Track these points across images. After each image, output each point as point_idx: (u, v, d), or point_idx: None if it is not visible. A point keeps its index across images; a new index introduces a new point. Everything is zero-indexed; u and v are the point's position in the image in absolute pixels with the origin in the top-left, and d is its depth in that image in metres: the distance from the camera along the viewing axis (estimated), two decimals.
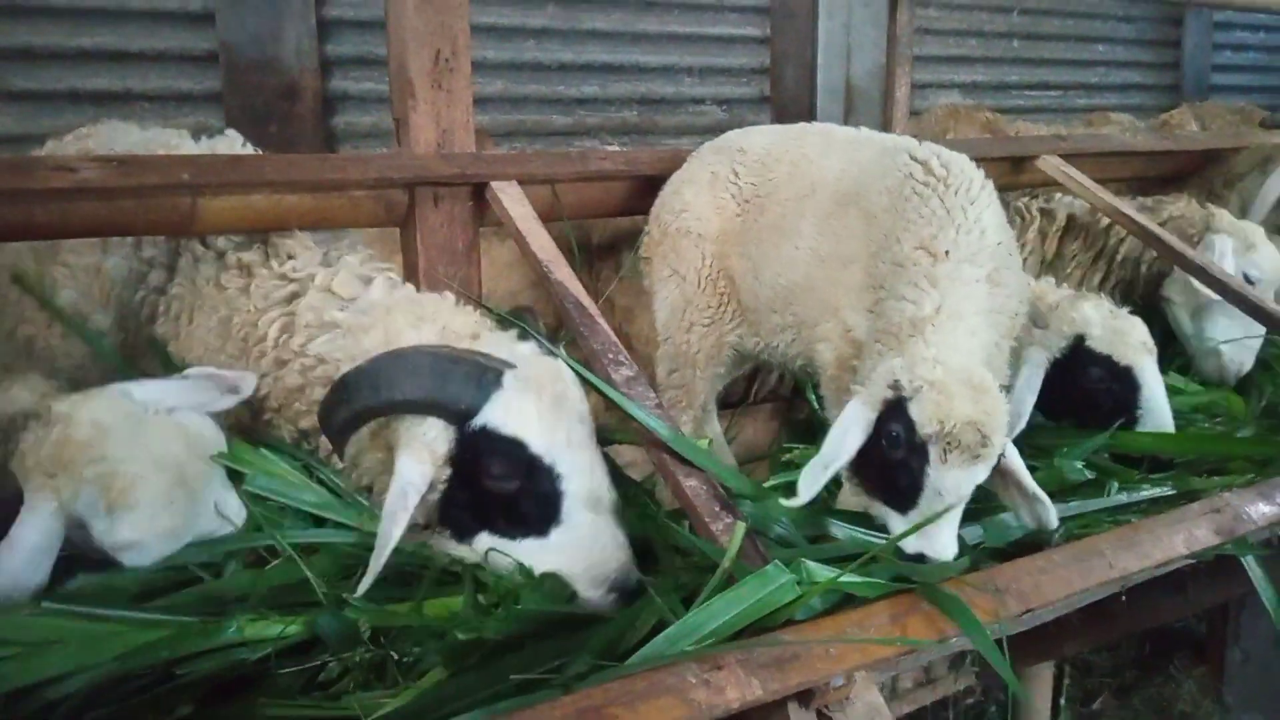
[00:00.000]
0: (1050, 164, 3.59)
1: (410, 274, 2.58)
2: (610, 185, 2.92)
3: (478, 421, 1.87)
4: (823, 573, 1.68)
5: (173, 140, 2.71)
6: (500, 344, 2.04)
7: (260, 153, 2.60)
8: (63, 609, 1.64)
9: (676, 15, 6.17)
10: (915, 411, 1.92)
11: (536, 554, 1.88)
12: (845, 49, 6.62)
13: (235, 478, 1.99)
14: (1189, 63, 8.58)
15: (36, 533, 1.69)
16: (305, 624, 1.69)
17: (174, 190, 2.20)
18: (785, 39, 6.55)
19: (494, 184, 2.55)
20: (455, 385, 1.87)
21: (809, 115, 6.40)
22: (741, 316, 2.77)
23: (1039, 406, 2.73)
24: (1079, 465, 2.49)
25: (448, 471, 1.90)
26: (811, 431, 2.95)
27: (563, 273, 2.30)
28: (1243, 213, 4.05)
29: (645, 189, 2.91)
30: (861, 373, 2.29)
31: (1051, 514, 2.02)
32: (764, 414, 3.28)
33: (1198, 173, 4.42)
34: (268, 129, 4.68)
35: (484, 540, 1.92)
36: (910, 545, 1.86)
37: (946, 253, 2.28)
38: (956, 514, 1.93)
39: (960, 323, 2.18)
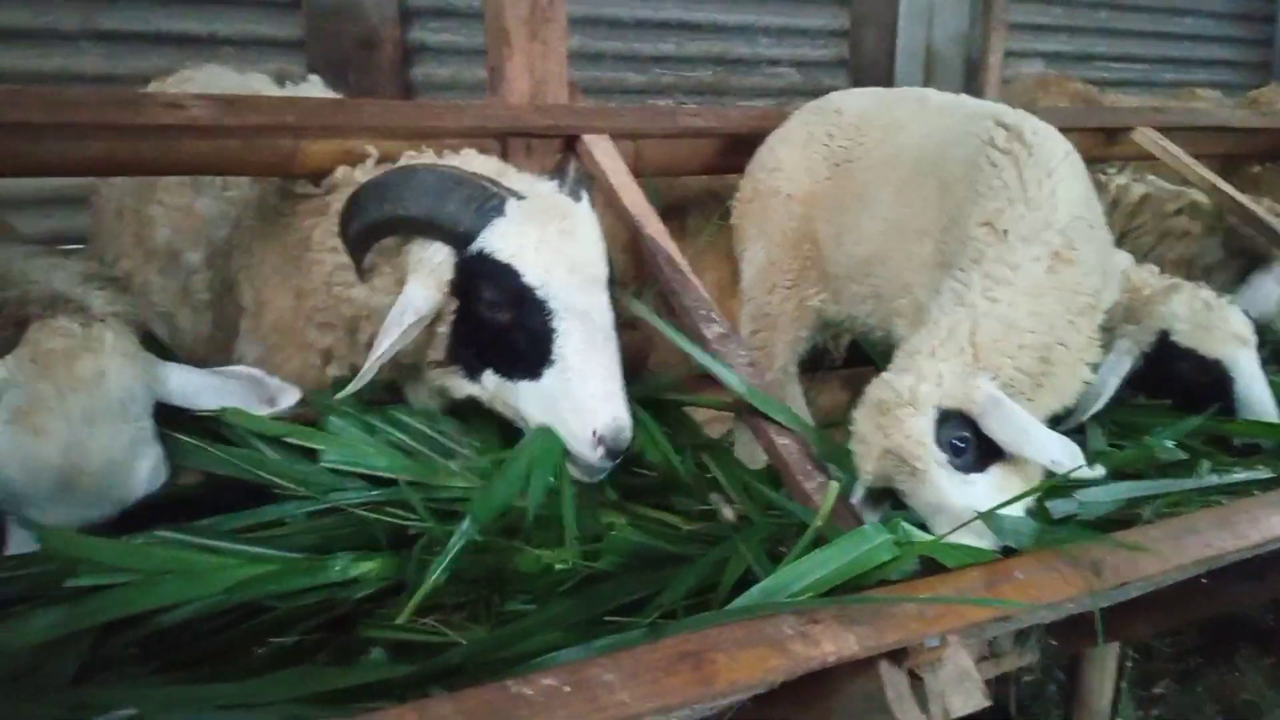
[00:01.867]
0: (1146, 136, 3.49)
1: None
2: (697, 143, 2.90)
3: (475, 246, 1.91)
4: (920, 535, 1.68)
5: (264, 86, 2.75)
6: (520, 180, 2.05)
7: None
8: (177, 538, 1.70)
9: None
10: None
11: (531, 399, 1.91)
12: (928, 13, 6.47)
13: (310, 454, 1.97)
14: None
15: None
16: (396, 564, 1.74)
17: (278, 132, 2.23)
18: (866, 1, 6.43)
19: (585, 137, 2.55)
20: (455, 205, 1.91)
21: (887, 80, 6.29)
22: (825, 282, 2.75)
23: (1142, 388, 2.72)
24: (1170, 445, 2.44)
25: (455, 303, 1.94)
26: None
27: (654, 228, 2.30)
28: None
29: (732, 148, 2.89)
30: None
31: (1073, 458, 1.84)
32: (837, 382, 3.26)
33: None
34: (347, 77, 4.71)
35: (490, 380, 1.97)
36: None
37: (1005, 232, 2.14)
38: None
39: (996, 308, 2.04)
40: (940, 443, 1.82)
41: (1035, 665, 3.02)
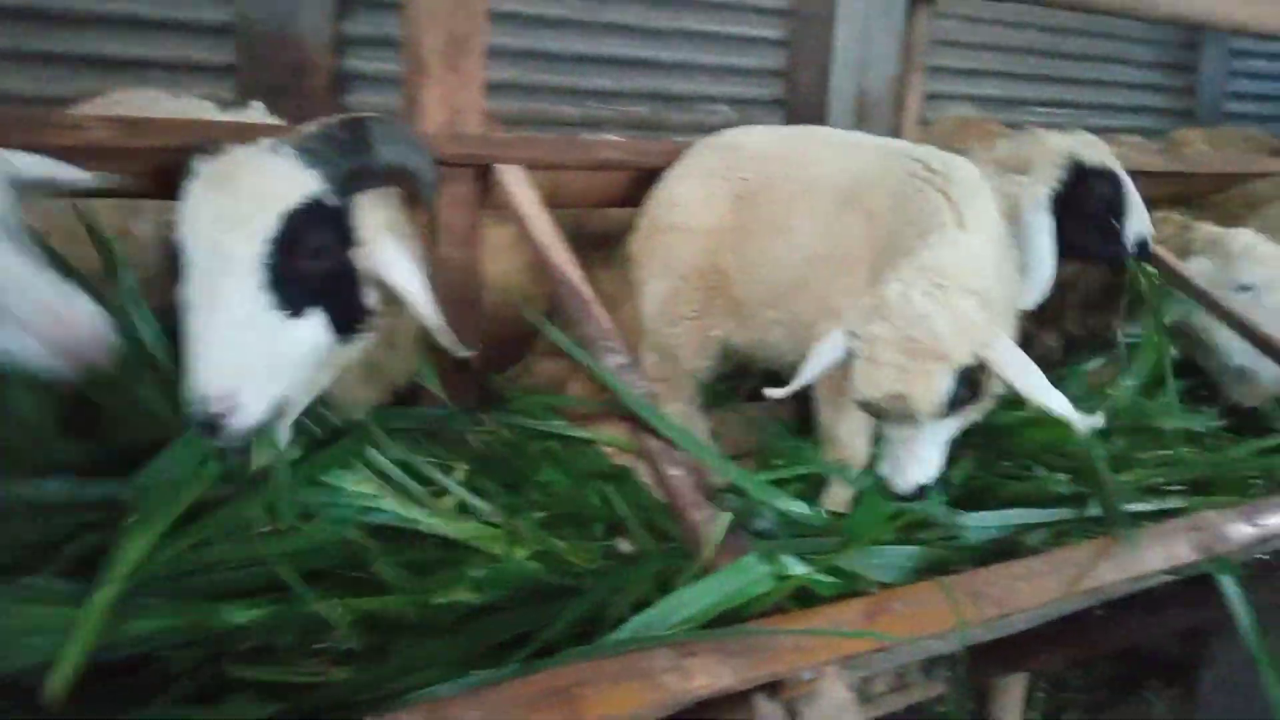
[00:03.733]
0: None
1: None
2: (615, 176, 2.92)
3: None
4: (797, 567, 1.69)
5: (199, 110, 2.72)
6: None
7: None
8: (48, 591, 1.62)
9: (695, 13, 6.18)
10: (853, 369, 2.15)
11: None
12: (861, 57, 6.62)
13: None
14: (1204, 89, 8.59)
15: None
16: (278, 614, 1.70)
17: (182, 154, 2.21)
18: (803, 43, 6.55)
19: (499, 167, 2.56)
20: None
21: (821, 120, 6.40)
22: (732, 310, 2.79)
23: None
24: (1061, 477, 2.50)
25: None
26: (802, 432, 2.95)
27: (561, 258, 2.31)
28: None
29: (651, 181, 2.91)
30: None
31: (1074, 419, 2.15)
32: (751, 412, 3.28)
33: (1210, 196, 4.42)
34: (278, 104, 4.69)
35: None
36: (882, 469, 2.19)
37: (944, 223, 2.34)
38: (922, 444, 2.16)
39: (970, 257, 2.30)
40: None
41: (946, 696, 3.05)
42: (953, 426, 2.22)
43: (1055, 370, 3.81)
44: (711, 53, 6.31)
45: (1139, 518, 2.22)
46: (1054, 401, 2.09)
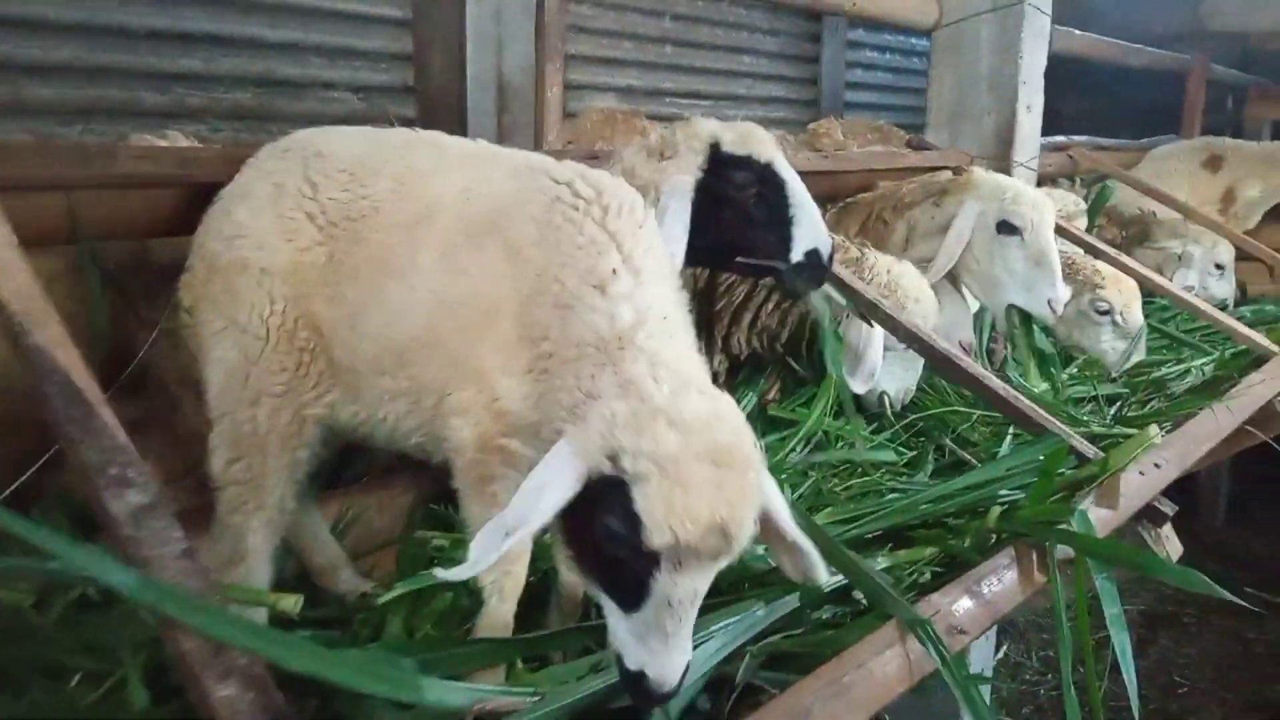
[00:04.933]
0: None
1: None
2: (158, 195, 2.12)
3: None
4: None
5: None
6: None
7: None
8: None
9: None
10: (641, 506, 1.46)
11: None
12: (496, 39, 6.07)
13: None
14: (826, 78, 8.95)
15: None
16: None
17: None
18: (428, 23, 5.88)
19: None
20: None
21: (458, 108, 5.81)
22: (333, 379, 2.11)
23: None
24: (759, 550, 2.11)
25: None
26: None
27: (48, 334, 1.51)
28: (907, 243, 3.99)
29: (205, 200, 2.13)
30: (519, 453, 1.84)
31: (819, 568, 1.70)
32: (396, 489, 2.63)
33: (856, 194, 4.33)
34: None
35: None
36: (631, 659, 1.50)
37: (614, 271, 1.87)
38: (690, 620, 1.52)
39: (675, 328, 1.83)
40: None
41: None
42: None
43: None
44: (324, 32, 5.49)
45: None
46: (802, 539, 1.67)
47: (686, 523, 1.42)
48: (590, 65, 6.97)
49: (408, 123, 5.59)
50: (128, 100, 4.80)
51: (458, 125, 5.59)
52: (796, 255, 2.77)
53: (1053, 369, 4.04)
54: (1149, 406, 3.95)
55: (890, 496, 2.85)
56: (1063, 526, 2.18)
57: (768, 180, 2.72)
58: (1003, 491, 2.69)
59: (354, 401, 2.08)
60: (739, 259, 2.74)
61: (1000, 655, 5.84)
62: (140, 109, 4.82)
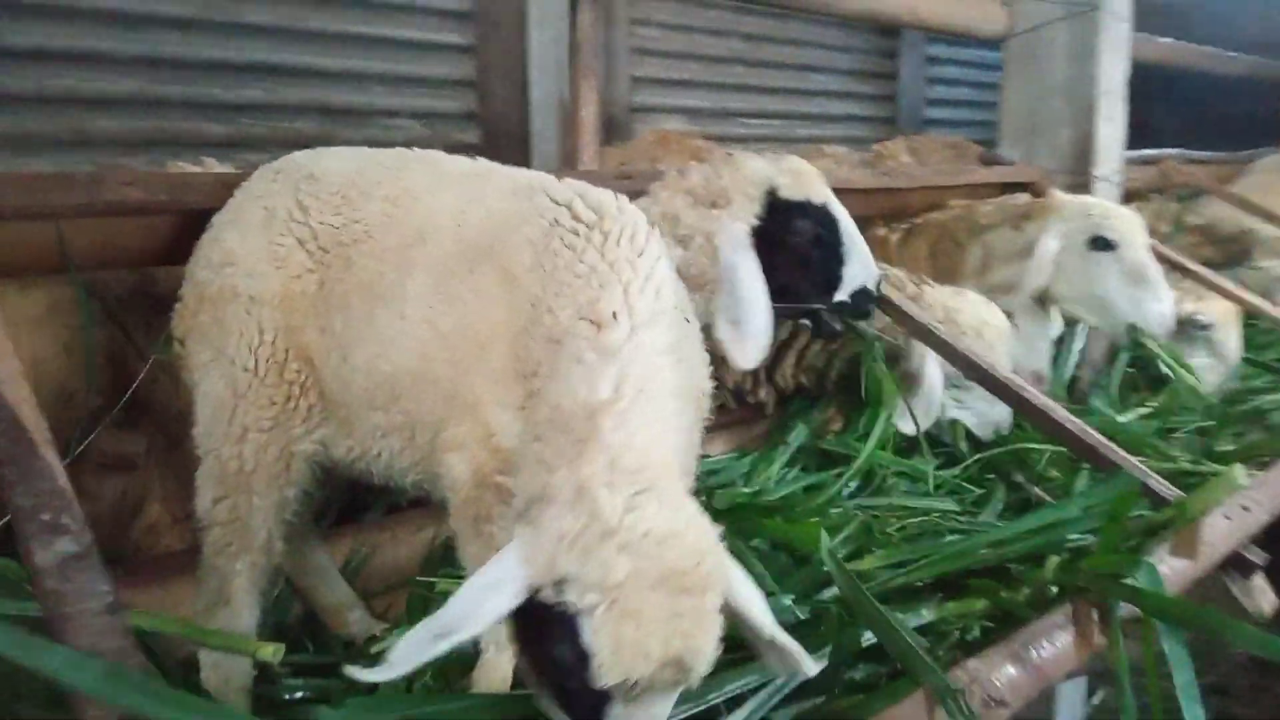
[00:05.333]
0: None
1: None
2: (150, 223, 2.06)
3: None
4: None
5: None
6: None
7: None
8: None
9: (362, 14, 5.35)
10: (590, 641, 1.30)
11: None
12: (558, 64, 6.03)
13: None
14: (904, 96, 8.71)
15: None
16: None
17: None
18: (491, 49, 5.87)
19: None
20: None
21: (521, 134, 5.77)
22: (325, 414, 2.00)
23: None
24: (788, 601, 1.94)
25: None
26: None
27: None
28: (983, 268, 3.76)
29: (197, 227, 2.05)
30: (517, 492, 1.62)
31: (805, 660, 1.50)
32: (412, 524, 2.53)
33: (927, 213, 4.10)
34: None
35: None
36: None
37: (615, 315, 1.68)
38: None
39: (652, 405, 1.60)
40: None
41: None
42: None
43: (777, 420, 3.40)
44: (385, 60, 5.51)
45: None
46: (780, 635, 1.48)
47: (639, 659, 1.26)
48: (657, 87, 6.89)
49: (471, 149, 5.63)
50: (190, 131, 4.87)
51: (520, 150, 5.55)
52: (842, 295, 2.69)
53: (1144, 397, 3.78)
54: (1245, 440, 3.63)
55: (950, 539, 2.64)
56: (1128, 581, 1.94)
57: (825, 223, 2.64)
58: (1073, 535, 2.46)
59: (348, 437, 1.96)
60: (778, 304, 2.58)
61: (1096, 701, 5.43)
62: (203, 139, 4.89)
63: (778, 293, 2.53)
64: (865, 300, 2.69)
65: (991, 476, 3.20)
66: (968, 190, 4.07)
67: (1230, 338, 4.27)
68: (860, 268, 2.67)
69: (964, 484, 3.12)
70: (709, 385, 2.02)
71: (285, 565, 2.35)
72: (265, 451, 1.91)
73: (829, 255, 2.63)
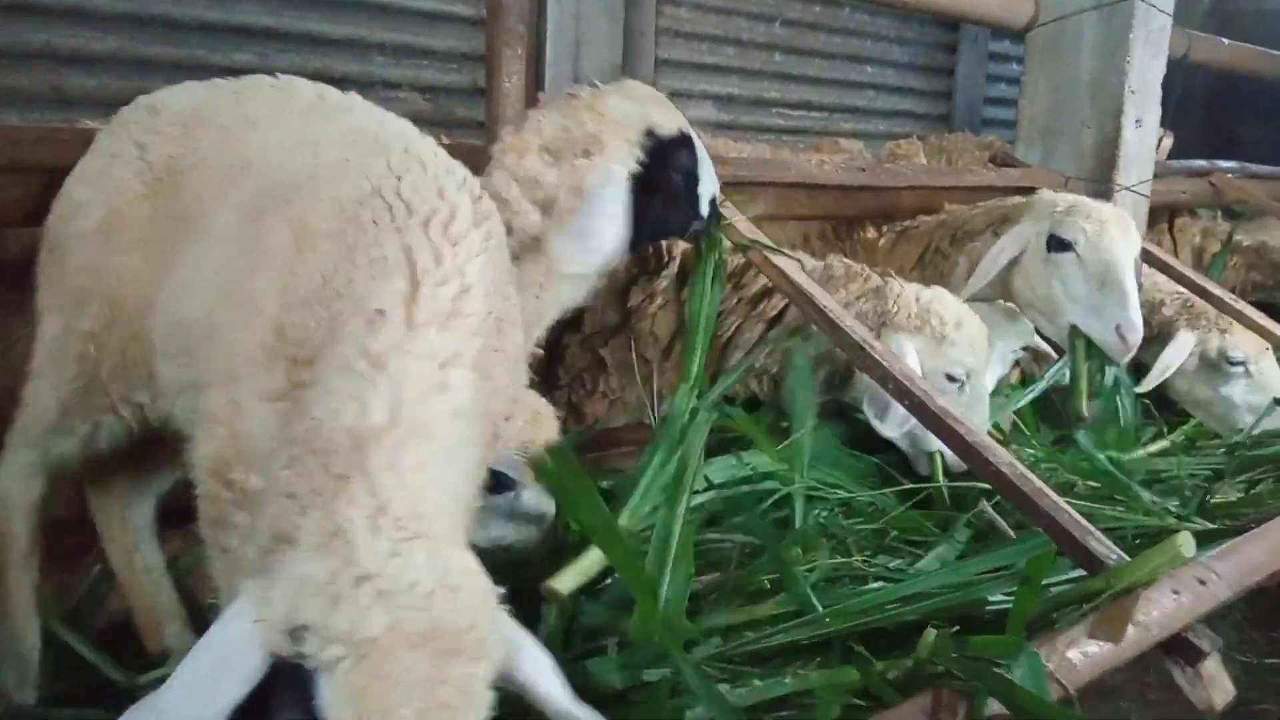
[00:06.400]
0: None
1: None
2: (12, 180, 2.04)
3: None
4: None
5: None
6: None
7: None
8: None
9: None
10: (326, 704, 1.07)
11: None
12: (574, 41, 5.76)
13: None
14: (961, 92, 8.21)
15: None
16: None
17: None
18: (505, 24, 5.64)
19: None
20: None
21: None
22: (141, 368, 1.85)
23: None
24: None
25: None
26: None
27: None
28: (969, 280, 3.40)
29: None
30: (259, 523, 1.37)
31: None
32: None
33: (913, 216, 3.73)
34: None
35: None
36: None
37: (381, 312, 1.44)
38: None
39: (431, 437, 1.35)
40: None
41: None
42: None
43: None
44: (390, 29, 5.31)
45: None
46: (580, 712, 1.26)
47: None
48: (685, 71, 6.55)
49: (478, 126, 5.40)
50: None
51: None
52: (704, 209, 2.67)
53: (1134, 430, 3.38)
54: (1259, 488, 3.20)
55: (872, 586, 2.32)
56: (1003, 671, 1.60)
57: (694, 150, 2.59)
58: (998, 596, 2.12)
59: (153, 395, 1.83)
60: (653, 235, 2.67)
61: None
62: None
63: (651, 233, 2.57)
64: (714, 209, 2.70)
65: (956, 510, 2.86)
66: (968, 193, 3.68)
67: (1270, 365, 3.84)
68: (709, 181, 2.64)
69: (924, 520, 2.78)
70: (514, 411, 1.76)
71: (114, 556, 2.19)
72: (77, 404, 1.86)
73: (694, 180, 2.60)
